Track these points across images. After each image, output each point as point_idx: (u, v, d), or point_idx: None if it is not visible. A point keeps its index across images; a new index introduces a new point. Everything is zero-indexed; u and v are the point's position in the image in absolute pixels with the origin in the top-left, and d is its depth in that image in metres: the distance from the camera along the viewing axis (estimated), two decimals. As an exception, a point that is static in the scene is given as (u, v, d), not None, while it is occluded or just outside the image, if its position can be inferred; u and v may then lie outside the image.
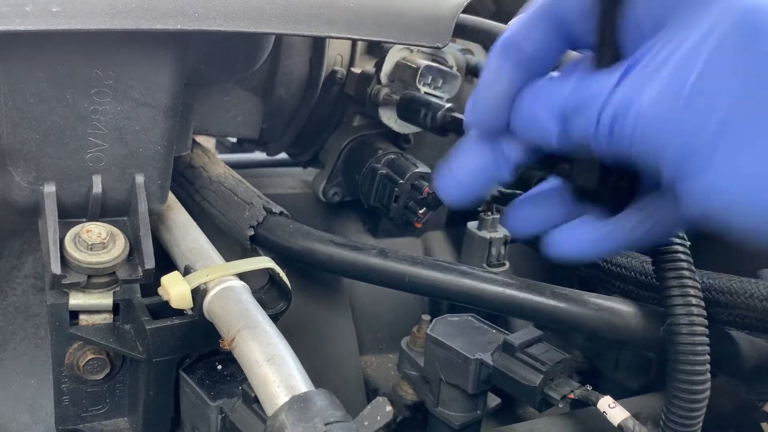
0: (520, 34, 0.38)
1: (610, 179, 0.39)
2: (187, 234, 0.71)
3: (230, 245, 0.79)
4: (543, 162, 0.42)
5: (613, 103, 0.33)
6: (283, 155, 1.06)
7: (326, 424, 0.43)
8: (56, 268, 0.58)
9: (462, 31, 0.85)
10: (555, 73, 0.40)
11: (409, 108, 0.77)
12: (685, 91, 0.30)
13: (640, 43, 0.34)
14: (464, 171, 0.42)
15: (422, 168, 0.83)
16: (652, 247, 0.59)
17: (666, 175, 0.32)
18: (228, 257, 0.67)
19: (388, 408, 0.44)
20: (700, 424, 0.58)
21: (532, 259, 0.99)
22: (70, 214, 0.64)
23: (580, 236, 0.42)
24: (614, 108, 0.33)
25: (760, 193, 0.30)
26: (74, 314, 0.61)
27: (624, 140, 0.33)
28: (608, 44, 0.36)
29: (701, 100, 0.30)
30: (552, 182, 0.46)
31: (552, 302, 0.64)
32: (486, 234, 0.90)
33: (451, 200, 0.43)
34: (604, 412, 0.59)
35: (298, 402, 0.45)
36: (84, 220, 0.64)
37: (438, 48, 0.67)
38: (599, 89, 0.34)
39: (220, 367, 0.62)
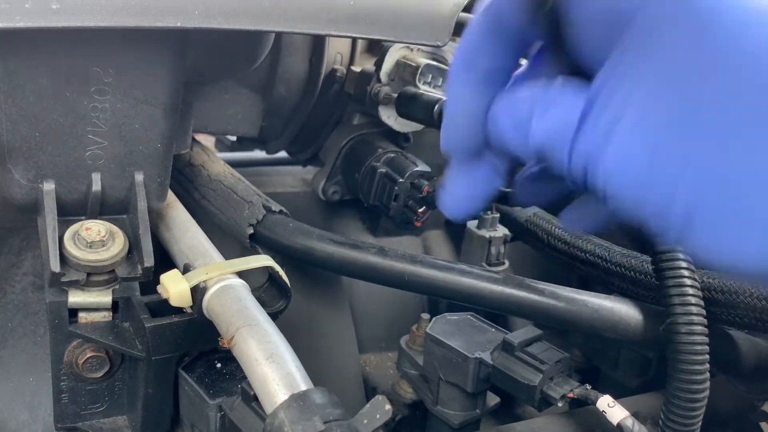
0: (471, 51, 0.38)
1: None
2: (186, 232, 0.71)
3: (229, 243, 0.79)
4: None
5: (580, 154, 0.32)
6: (282, 154, 1.06)
7: (325, 423, 0.43)
8: (55, 265, 0.58)
9: (462, 30, 0.84)
10: (522, 67, 0.39)
11: (408, 104, 0.77)
12: (646, 158, 0.30)
13: (596, 49, 0.33)
14: (460, 189, 0.42)
15: (422, 167, 0.83)
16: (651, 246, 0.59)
17: (657, 232, 0.32)
18: (227, 255, 0.67)
19: (387, 406, 0.44)
20: (700, 423, 0.58)
21: (533, 258, 0.99)
22: (70, 211, 0.64)
23: (584, 215, 0.43)
24: (583, 159, 0.32)
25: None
26: (73, 312, 0.61)
27: (600, 191, 0.32)
28: (559, 53, 0.36)
29: (662, 170, 0.29)
30: None
31: (551, 301, 0.64)
32: (485, 233, 0.90)
33: (456, 218, 0.43)
34: (603, 411, 0.59)
35: (297, 400, 0.45)
36: (83, 217, 0.64)
37: (438, 47, 0.67)
38: (565, 126, 0.33)
39: (219, 365, 0.62)
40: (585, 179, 0.32)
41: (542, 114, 0.34)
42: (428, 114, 0.72)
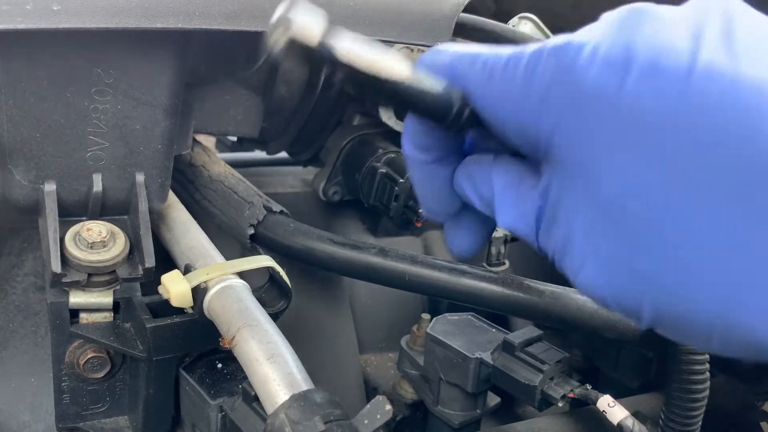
0: (415, 142, 0.39)
1: None
2: (187, 232, 0.71)
3: (230, 244, 0.79)
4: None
5: (546, 250, 0.34)
6: (283, 154, 1.06)
7: (326, 423, 0.44)
8: (56, 266, 0.58)
9: (462, 31, 0.84)
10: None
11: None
12: (604, 279, 0.31)
13: (525, 148, 0.34)
14: (461, 239, 0.43)
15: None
16: None
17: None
18: (228, 256, 0.67)
19: (388, 407, 0.44)
20: (700, 423, 0.58)
21: (532, 258, 0.99)
22: (71, 212, 0.64)
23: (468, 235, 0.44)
24: (550, 254, 0.34)
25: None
26: (74, 312, 0.61)
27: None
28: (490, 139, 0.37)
29: (621, 288, 0.31)
30: None
31: (551, 301, 0.64)
32: (486, 233, 0.90)
33: (467, 258, 0.45)
34: (603, 411, 0.59)
35: (298, 400, 0.45)
36: (84, 218, 0.64)
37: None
38: (526, 227, 0.35)
39: (220, 365, 0.62)
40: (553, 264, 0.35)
41: (501, 204, 0.36)
42: None
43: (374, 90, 0.33)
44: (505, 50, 0.33)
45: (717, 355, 0.58)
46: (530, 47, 0.32)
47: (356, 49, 0.32)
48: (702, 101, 0.27)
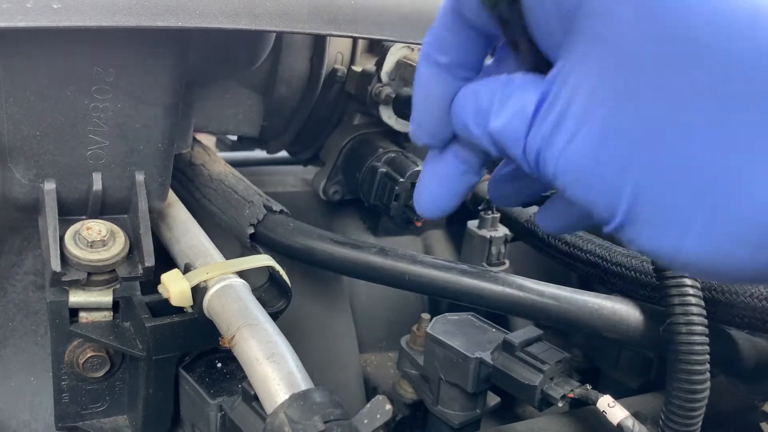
0: (436, 44, 0.38)
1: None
2: (187, 232, 0.71)
3: (230, 243, 0.79)
4: None
5: (533, 142, 0.33)
6: (283, 153, 1.06)
7: (326, 422, 0.43)
8: (56, 265, 0.58)
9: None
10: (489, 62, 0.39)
11: (407, 105, 0.77)
12: (591, 147, 0.30)
13: (552, 42, 0.33)
14: (433, 184, 0.41)
15: (422, 166, 0.83)
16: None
17: (606, 225, 0.32)
18: (228, 255, 0.67)
19: (388, 406, 0.44)
20: (700, 423, 0.58)
21: (533, 258, 0.99)
22: (71, 211, 0.64)
23: (559, 215, 0.43)
24: (536, 149, 0.32)
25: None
26: (74, 312, 0.61)
27: (551, 181, 0.33)
28: (520, 49, 0.35)
29: (608, 159, 0.29)
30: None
31: (552, 301, 0.64)
32: (486, 233, 0.90)
33: (428, 214, 0.42)
34: (603, 411, 0.59)
35: (298, 400, 0.45)
36: (84, 217, 0.64)
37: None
38: (521, 117, 0.33)
39: (219, 365, 0.62)
40: (538, 169, 0.33)
41: (500, 106, 0.34)
42: None
43: None
44: None
45: (717, 355, 0.58)
46: None
47: None
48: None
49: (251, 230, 0.73)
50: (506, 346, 0.65)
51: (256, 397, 0.51)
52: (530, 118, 0.33)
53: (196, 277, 0.60)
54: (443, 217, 0.43)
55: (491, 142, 0.35)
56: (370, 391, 0.91)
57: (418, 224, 0.82)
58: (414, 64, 0.82)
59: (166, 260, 0.69)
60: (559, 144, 0.31)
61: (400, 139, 0.93)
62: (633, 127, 0.28)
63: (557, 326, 0.67)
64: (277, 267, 0.64)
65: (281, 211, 0.75)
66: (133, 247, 0.63)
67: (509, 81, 0.35)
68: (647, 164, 0.28)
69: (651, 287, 0.66)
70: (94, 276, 0.60)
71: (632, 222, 0.30)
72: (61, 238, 0.60)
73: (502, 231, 0.91)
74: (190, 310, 0.60)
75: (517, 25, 0.35)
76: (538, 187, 0.44)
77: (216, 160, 0.86)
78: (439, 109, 0.38)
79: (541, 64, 0.35)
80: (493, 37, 0.38)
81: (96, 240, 0.60)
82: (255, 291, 0.61)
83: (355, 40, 0.91)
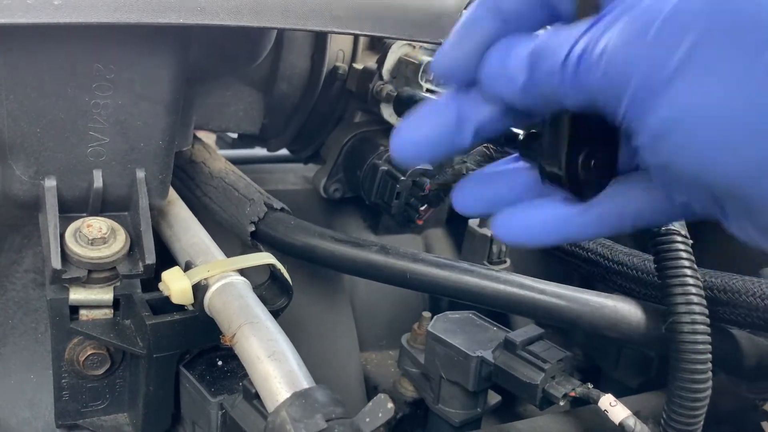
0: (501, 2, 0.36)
1: (578, 161, 0.35)
2: (188, 229, 0.70)
3: (231, 241, 0.79)
4: (506, 137, 0.40)
5: (580, 44, 0.31)
6: (283, 151, 1.06)
7: (327, 421, 0.43)
8: (57, 262, 0.58)
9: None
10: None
11: (407, 104, 0.77)
12: (654, 26, 0.28)
13: None
14: (422, 129, 0.39)
15: (424, 165, 0.83)
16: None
17: (626, 115, 0.30)
18: (229, 253, 0.67)
19: (390, 405, 0.44)
20: (701, 422, 0.58)
21: (534, 256, 0.99)
22: (71, 208, 0.64)
23: (535, 218, 0.39)
24: (581, 48, 0.31)
25: (725, 124, 0.27)
26: (74, 309, 0.61)
27: (588, 79, 0.31)
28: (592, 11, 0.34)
29: (669, 32, 0.28)
30: (509, 161, 0.43)
31: (553, 300, 0.64)
32: (487, 231, 0.90)
33: (403, 158, 0.40)
34: (605, 410, 0.59)
35: (300, 398, 0.45)
36: (85, 214, 0.64)
37: (440, 44, 0.67)
38: (569, 34, 0.32)
39: (220, 363, 0.62)
40: (575, 76, 0.31)
41: (550, 33, 0.33)
42: None
43: None
44: None
45: (719, 355, 0.58)
46: None
47: None
48: None
49: (252, 228, 0.73)
50: (507, 345, 0.65)
51: (257, 396, 0.50)
52: (583, 32, 0.31)
53: (197, 274, 0.60)
54: (412, 166, 0.40)
55: (526, 67, 0.34)
56: (371, 389, 0.91)
57: (419, 222, 0.82)
58: (415, 62, 0.82)
59: (166, 258, 0.69)
60: (608, 37, 0.30)
61: (400, 137, 0.93)
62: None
63: (558, 325, 0.67)
64: (278, 265, 0.64)
65: (282, 209, 0.75)
66: (134, 245, 0.63)
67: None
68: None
69: (653, 286, 0.66)
70: (94, 273, 0.60)
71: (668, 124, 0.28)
72: (62, 236, 0.60)
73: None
74: (190, 308, 0.60)
75: None
76: (519, 192, 0.41)
77: (216, 157, 0.86)
78: (473, 49, 0.37)
79: None
80: (553, 10, 0.36)
81: (97, 237, 0.60)
82: (256, 289, 0.61)
83: (356, 37, 0.91)
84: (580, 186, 0.36)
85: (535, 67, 0.33)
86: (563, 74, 0.32)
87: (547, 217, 0.39)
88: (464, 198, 0.42)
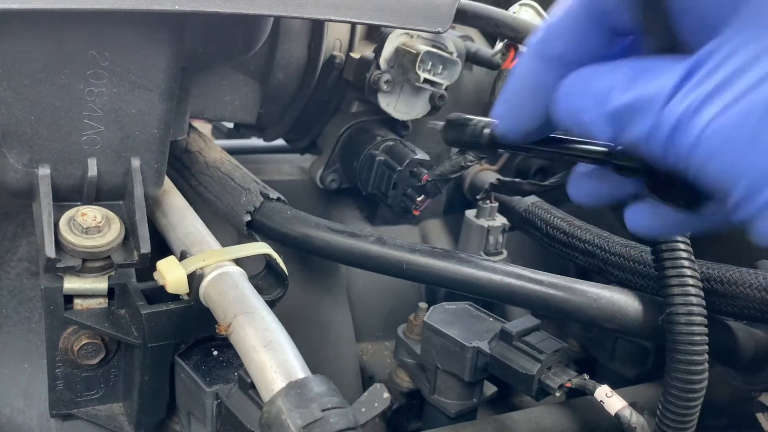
0: (556, 27, 0.36)
1: (681, 184, 0.35)
2: (183, 219, 0.70)
3: (227, 231, 0.79)
4: (602, 158, 0.39)
5: (673, 111, 0.30)
6: (280, 141, 1.06)
7: (323, 410, 0.43)
8: (51, 251, 0.57)
9: (462, 17, 0.84)
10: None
11: (457, 129, 0.76)
12: (759, 115, 0.27)
13: (701, 33, 0.31)
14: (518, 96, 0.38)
15: (421, 155, 0.82)
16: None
17: (736, 205, 0.29)
18: (224, 243, 0.66)
19: (386, 395, 0.44)
20: (697, 413, 0.58)
21: (530, 247, 0.99)
22: (65, 197, 0.63)
23: (652, 217, 0.40)
24: (676, 118, 0.30)
25: None
26: (69, 298, 0.60)
27: (684, 156, 0.30)
28: (659, 27, 0.33)
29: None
30: None
31: (550, 291, 0.64)
32: (484, 222, 0.90)
33: (504, 129, 0.40)
34: (601, 401, 0.59)
35: (295, 388, 0.45)
36: (79, 203, 0.64)
37: (438, 33, 0.66)
38: (658, 88, 0.31)
39: (215, 352, 0.62)
40: (667, 147, 0.30)
41: (630, 82, 0.32)
42: (476, 137, 0.71)
43: None
44: None
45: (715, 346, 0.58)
46: None
47: None
48: None
49: (248, 218, 0.73)
50: (504, 336, 0.65)
51: (252, 385, 0.50)
52: (673, 89, 0.30)
53: (193, 264, 0.59)
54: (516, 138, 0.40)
55: (609, 121, 0.33)
56: (367, 380, 0.91)
57: (416, 213, 0.82)
58: (413, 51, 0.81)
59: (161, 247, 0.68)
60: (709, 115, 0.29)
61: (398, 127, 0.93)
62: None
63: (555, 316, 0.67)
64: (274, 255, 0.64)
65: (278, 199, 0.75)
66: (129, 234, 0.62)
67: (639, 60, 0.33)
68: None
69: (650, 277, 0.66)
70: (89, 262, 0.60)
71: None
72: (56, 224, 0.59)
73: (500, 220, 0.90)
74: (186, 298, 0.60)
75: (658, 7, 0.33)
76: (619, 191, 0.41)
77: (212, 147, 0.85)
78: (537, 93, 0.36)
79: (671, 49, 0.34)
80: (615, 32, 0.36)
81: (91, 226, 0.60)
82: (252, 279, 0.61)
83: (353, 26, 0.90)
84: (685, 202, 0.37)
85: (621, 121, 0.32)
86: (653, 139, 0.31)
87: (669, 218, 0.39)
88: (581, 193, 0.43)
